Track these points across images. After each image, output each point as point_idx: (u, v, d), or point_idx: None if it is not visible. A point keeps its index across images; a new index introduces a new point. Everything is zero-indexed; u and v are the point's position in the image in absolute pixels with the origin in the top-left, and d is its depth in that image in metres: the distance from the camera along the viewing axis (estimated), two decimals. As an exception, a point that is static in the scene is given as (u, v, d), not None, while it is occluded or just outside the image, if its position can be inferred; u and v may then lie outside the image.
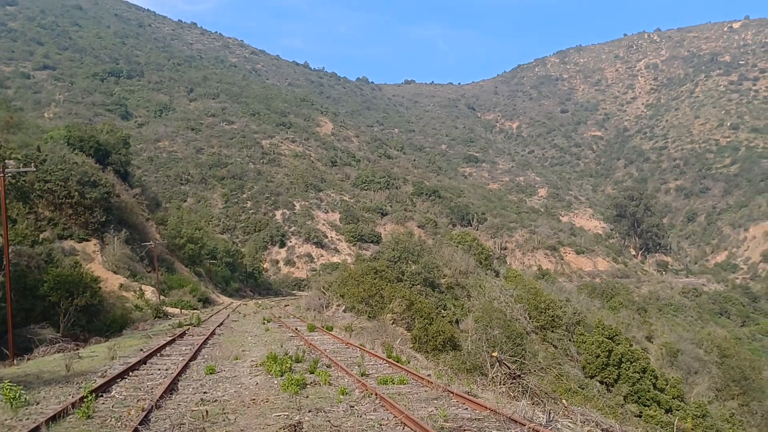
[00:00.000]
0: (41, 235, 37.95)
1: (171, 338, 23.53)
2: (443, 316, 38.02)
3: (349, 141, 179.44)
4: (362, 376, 15.15)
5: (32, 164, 42.97)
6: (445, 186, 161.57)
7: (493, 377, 15.08)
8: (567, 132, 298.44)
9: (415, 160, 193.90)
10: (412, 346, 25.29)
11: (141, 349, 20.95)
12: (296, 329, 26.79)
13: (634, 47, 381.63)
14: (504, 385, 13.94)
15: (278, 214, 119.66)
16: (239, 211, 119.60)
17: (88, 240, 45.60)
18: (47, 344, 23.88)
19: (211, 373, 16.33)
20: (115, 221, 50.24)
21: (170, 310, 40.91)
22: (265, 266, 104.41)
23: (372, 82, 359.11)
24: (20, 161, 39.64)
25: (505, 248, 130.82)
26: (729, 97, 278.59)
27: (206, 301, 53.48)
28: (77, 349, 21.75)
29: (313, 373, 15.74)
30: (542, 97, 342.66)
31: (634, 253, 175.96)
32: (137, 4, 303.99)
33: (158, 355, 19.95)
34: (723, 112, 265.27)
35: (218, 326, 29.98)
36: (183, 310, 41.87)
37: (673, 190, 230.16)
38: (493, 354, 14.84)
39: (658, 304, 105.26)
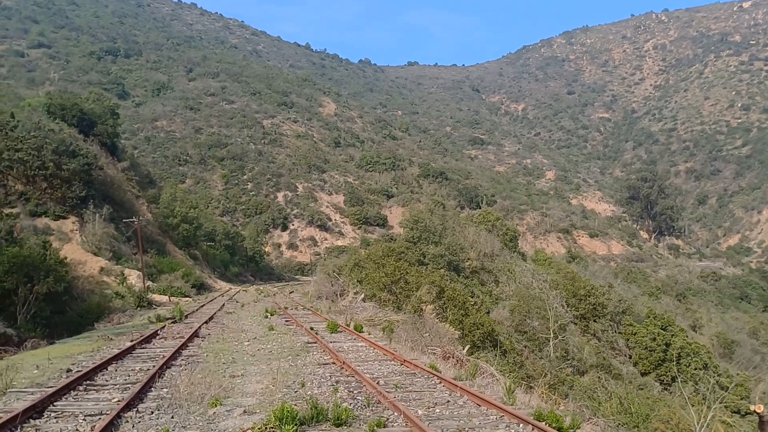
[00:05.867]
0: (6, 211, 32.51)
1: (131, 344, 16.50)
2: (474, 305, 32.75)
3: (352, 122, 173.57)
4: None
5: (2, 131, 37.62)
6: (452, 168, 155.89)
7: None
8: (574, 114, 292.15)
9: (420, 142, 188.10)
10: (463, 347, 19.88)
11: (68, 369, 13.22)
12: (311, 329, 19.95)
13: (642, 27, 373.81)
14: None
15: (280, 195, 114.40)
16: (240, 192, 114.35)
17: (65, 217, 40.15)
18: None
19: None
20: (99, 197, 44.64)
21: (157, 297, 35.60)
22: (266, 250, 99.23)
23: (374, 64, 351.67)
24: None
25: (516, 231, 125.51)
26: (740, 77, 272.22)
27: (201, 287, 48.15)
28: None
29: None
30: (548, 78, 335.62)
31: (646, 236, 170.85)
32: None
33: (83, 385, 11.49)
34: (734, 92, 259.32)
35: (206, 322, 23.35)
36: (172, 298, 36.57)
37: (683, 173, 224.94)
38: (757, 410, 9.27)
39: (677, 288, 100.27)
